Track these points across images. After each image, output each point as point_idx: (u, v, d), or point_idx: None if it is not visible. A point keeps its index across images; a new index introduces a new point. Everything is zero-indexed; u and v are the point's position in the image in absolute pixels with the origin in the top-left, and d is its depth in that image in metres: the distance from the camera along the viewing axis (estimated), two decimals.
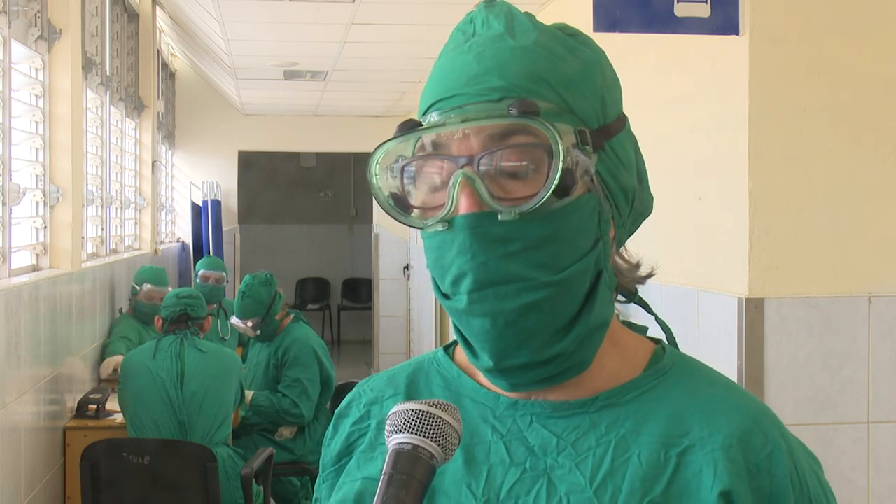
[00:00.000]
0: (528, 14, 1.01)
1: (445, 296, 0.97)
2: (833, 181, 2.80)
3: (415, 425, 0.85)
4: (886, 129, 2.82)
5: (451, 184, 0.93)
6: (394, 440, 0.86)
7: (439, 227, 0.95)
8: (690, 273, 3.14)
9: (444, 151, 0.95)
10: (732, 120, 2.84)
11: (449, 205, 0.94)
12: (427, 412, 0.86)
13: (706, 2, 2.75)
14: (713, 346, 2.92)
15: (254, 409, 5.04)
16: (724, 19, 2.75)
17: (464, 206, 0.93)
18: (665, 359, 1.03)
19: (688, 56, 3.16)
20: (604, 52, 1.03)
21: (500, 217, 0.92)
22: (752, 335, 2.75)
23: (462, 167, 0.93)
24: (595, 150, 0.96)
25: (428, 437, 0.85)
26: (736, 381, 2.75)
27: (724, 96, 2.91)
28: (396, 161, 0.98)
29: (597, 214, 0.97)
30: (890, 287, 2.82)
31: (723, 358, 2.83)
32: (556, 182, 0.91)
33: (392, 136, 0.97)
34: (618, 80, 1.03)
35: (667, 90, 3.36)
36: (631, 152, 1.02)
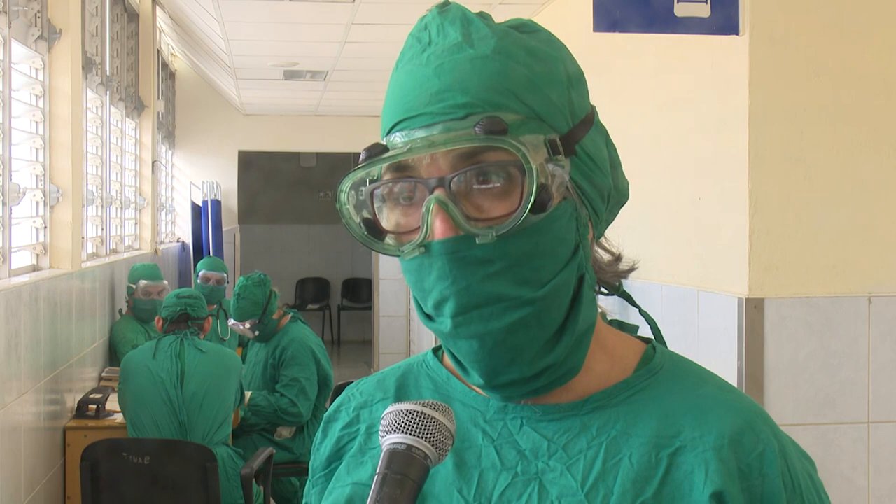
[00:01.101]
0: (482, 15, 0.98)
1: (429, 317, 0.96)
2: (833, 181, 2.80)
3: (409, 426, 0.85)
4: (886, 129, 2.82)
5: (424, 209, 0.91)
6: (388, 440, 0.86)
7: (416, 253, 0.93)
8: (690, 273, 3.14)
9: (412, 173, 0.92)
10: (732, 120, 2.84)
11: (424, 230, 0.91)
12: (421, 412, 0.86)
13: (706, 2, 2.75)
14: (713, 346, 2.92)
15: (251, 409, 5.04)
16: (724, 19, 2.75)
17: (439, 232, 0.90)
18: (655, 359, 1.02)
19: (688, 56, 3.16)
20: (565, 47, 1.00)
21: (477, 241, 0.90)
22: (752, 335, 2.75)
23: (433, 190, 0.91)
24: (567, 155, 0.93)
25: (422, 438, 0.85)
26: (736, 381, 2.76)
27: (724, 96, 2.91)
28: (364, 185, 0.95)
29: (574, 220, 0.95)
30: (890, 287, 2.82)
31: (723, 358, 2.83)
32: (531, 201, 0.89)
33: (358, 164, 0.94)
34: (582, 74, 1.01)
35: (667, 90, 3.36)
36: (602, 147, 1.00)
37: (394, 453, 0.85)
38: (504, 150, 0.90)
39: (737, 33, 2.77)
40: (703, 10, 2.76)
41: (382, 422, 0.87)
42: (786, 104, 2.77)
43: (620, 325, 1.07)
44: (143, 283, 5.72)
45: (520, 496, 0.95)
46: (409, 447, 0.85)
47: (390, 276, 10.96)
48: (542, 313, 0.93)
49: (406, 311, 10.90)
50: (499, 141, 0.89)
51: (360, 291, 14.10)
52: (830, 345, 2.79)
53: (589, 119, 0.98)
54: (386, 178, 0.94)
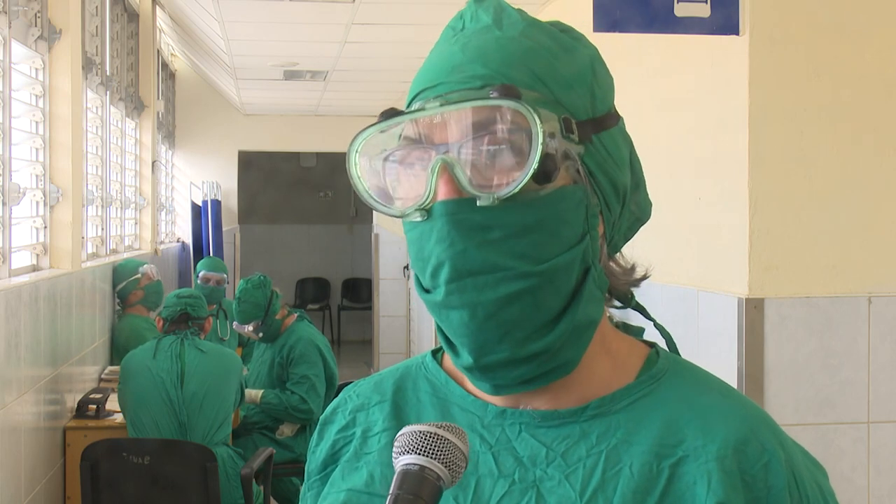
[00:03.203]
0: (519, 10, 1.00)
1: (426, 290, 0.95)
2: (833, 181, 2.80)
3: (423, 447, 0.85)
4: (886, 129, 2.82)
5: (429, 170, 0.91)
6: (401, 461, 0.85)
7: (417, 217, 0.92)
8: (690, 273, 3.14)
9: (425, 140, 0.92)
10: (732, 120, 2.84)
11: (427, 191, 0.91)
12: (435, 434, 0.86)
13: (706, 2, 2.75)
14: (713, 346, 2.92)
15: (264, 407, 5.07)
16: (724, 19, 2.75)
17: (442, 193, 0.90)
18: (659, 364, 1.00)
19: (688, 56, 3.16)
20: (596, 49, 1.01)
21: (478, 203, 0.89)
22: (752, 335, 2.75)
23: (442, 154, 0.91)
24: (581, 140, 0.93)
25: (435, 459, 0.85)
26: (736, 381, 2.76)
27: (724, 96, 2.91)
28: (379, 153, 0.95)
29: (584, 207, 0.94)
30: (890, 287, 2.82)
31: (723, 358, 2.83)
32: (535, 166, 0.88)
33: (372, 123, 0.95)
34: (610, 78, 1.01)
35: (667, 90, 3.36)
36: (625, 151, 0.99)
37: (406, 474, 0.84)
38: (516, 122, 0.89)
39: (737, 33, 2.77)
40: (703, 10, 2.76)
41: (396, 443, 0.86)
42: (786, 104, 2.77)
43: (626, 328, 1.05)
44: (145, 268, 5.74)
45: None
46: (422, 468, 0.84)
47: (390, 276, 10.96)
48: (538, 292, 0.91)
49: (406, 311, 10.90)
50: (511, 102, 0.89)
51: (360, 291, 14.10)
52: (830, 345, 2.79)
53: (611, 118, 0.98)
54: (400, 144, 0.94)
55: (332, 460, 1.06)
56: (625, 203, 0.99)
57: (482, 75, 0.92)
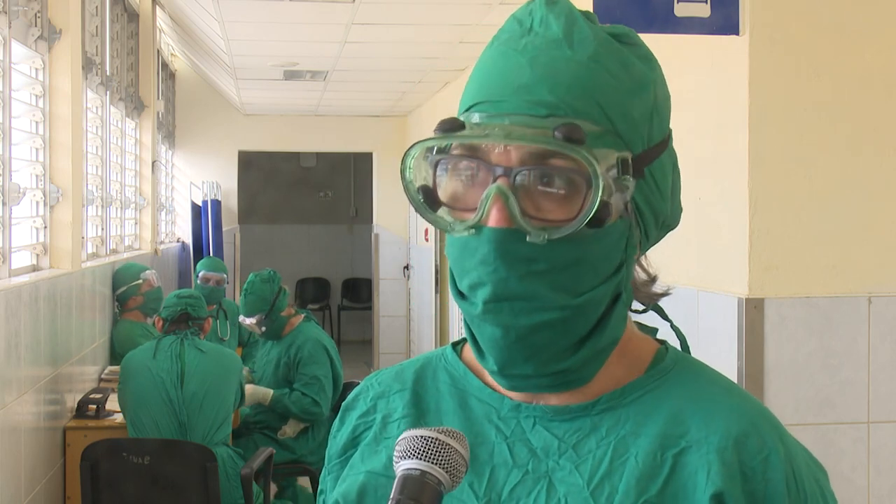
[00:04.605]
0: (588, 16, 0.99)
1: (461, 294, 0.97)
2: (833, 181, 2.80)
3: (424, 451, 0.86)
4: (886, 129, 2.82)
5: (484, 195, 0.92)
6: (402, 466, 0.86)
7: (466, 233, 0.94)
8: (690, 273, 3.14)
9: (482, 156, 0.93)
10: (732, 120, 2.84)
11: (479, 213, 0.93)
12: (436, 439, 0.87)
13: (706, 2, 2.75)
14: (713, 346, 2.92)
15: (277, 409, 5.07)
16: (724, 19, 2.75)
17: (494, 220, 0.92)
18: (667, 360, 1.03)
19: (688, 56, 3.16)
20: (660, 67, 1.01)
21: (528, 238, 0.91)
22: (752, 335, 2.75)
23: (497, 178, 0.92)
24: (635, 177, 0.95)
25: (436, 464, 0.86)
26: (736, 381, 2.75)
27: (724, 96, 2.91)
28: (433, 152, 0.96)
29: (625, 239, 0.96)
30: (890, 287, 2.82)
31: (723, 358, 2.83)
32: (591, 213, 0.91)
33: (432, 134, 0.95)
34: (669, 98, 1.02)
35: None
36: (669, 172, 1.01)
37: (407, 479, 0.85)
38: (575, 160, 0.90)
39: (737, 33, 2.77)
40: (703, 10, 2.76)
41: (396, 448, 0.88)
42: (786, 104, 2.77)
43: (640, 327, 1.08)
44: (147, 273, 5.74)
45: (529, 493, 0.97)
46: (423, 473, 0.85)
47: (390, 276, 10.96)
48: (570, 321, 0.94)
49: (406, 311, 10.90)
50: (574, 150, 0.90)
51: (360, 291, 14.10)
52: (830, 345, 2.79)
53: (664, 143, 0.99)
54: (455, 152, 0.95)
55: (352, 445, 1.09)
56: (662, 224, 1.02)
57: (548, 103, 0.92)
